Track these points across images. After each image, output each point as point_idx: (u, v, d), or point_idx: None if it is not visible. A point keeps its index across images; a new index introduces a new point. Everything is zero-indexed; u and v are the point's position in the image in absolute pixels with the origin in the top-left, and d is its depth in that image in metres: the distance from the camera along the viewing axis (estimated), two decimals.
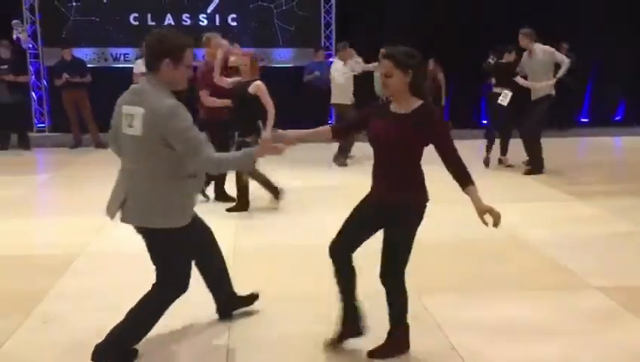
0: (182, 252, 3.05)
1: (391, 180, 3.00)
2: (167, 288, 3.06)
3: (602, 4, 12.28)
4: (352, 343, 3.20)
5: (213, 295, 3.54)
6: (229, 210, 6.03)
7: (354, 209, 3.14)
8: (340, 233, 3.11)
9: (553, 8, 12.06)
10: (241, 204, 6.06)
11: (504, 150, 8.37)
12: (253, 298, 3.68)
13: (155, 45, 2.89)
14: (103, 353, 2.98)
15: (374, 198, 3.07)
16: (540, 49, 7.71)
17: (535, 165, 7.84)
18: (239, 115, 5.78)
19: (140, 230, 3.01)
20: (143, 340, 3.11)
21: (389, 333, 3.14)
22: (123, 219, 3.00)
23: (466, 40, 11.37)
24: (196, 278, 4.18)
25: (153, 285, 3.07)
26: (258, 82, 5.65)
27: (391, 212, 2.96)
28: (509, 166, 8.29)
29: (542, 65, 7.69)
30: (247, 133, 5.58)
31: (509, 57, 8.16)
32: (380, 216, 3.00)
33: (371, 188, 3.11)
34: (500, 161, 8.38)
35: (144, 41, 2.94)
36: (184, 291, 3.07)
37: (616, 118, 13.50)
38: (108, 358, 3.00)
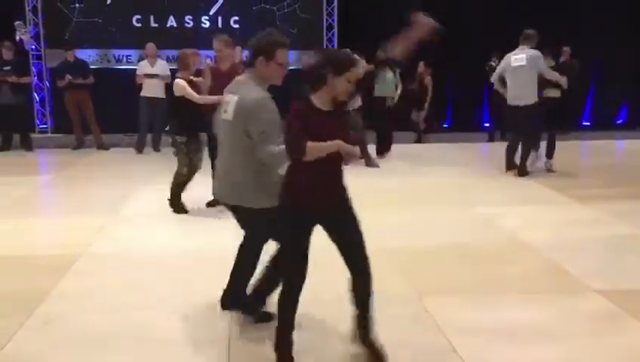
0: (273, 229, 3.23)
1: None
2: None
3: (602, 7, 12.30)
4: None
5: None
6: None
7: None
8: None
9: (553, 10, 12.09)
10: None
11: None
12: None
13: (252, 44, 3.25)
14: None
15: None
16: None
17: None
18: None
19: (230, 207, 3.37)
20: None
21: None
22: (217, 198, 3.49)
23: (467, 42, 11.39)
24: (197, 273, 4.19)
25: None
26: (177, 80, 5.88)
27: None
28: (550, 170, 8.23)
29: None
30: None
31: None
32: None
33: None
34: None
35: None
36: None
37: (619, 122, 13.51)
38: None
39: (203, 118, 5.68)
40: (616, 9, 12.33)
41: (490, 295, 3.98)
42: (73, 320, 3.61)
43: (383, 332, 3.29)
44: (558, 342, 3.32)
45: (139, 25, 12.11)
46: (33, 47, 11.88)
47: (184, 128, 5.81)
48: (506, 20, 11.25)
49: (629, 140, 11.63)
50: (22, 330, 3.47)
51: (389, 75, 9.00)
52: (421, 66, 10.93)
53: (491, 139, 11.69)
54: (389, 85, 9.12)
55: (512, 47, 7.82)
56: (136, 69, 10.37)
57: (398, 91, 9.46)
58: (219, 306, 3.71)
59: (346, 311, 3.12)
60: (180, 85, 5.77)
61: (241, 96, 3.17)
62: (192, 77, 6.02)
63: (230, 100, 3.25)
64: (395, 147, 9.59)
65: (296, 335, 3.03)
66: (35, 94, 11.95)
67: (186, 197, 6.11)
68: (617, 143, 11.48)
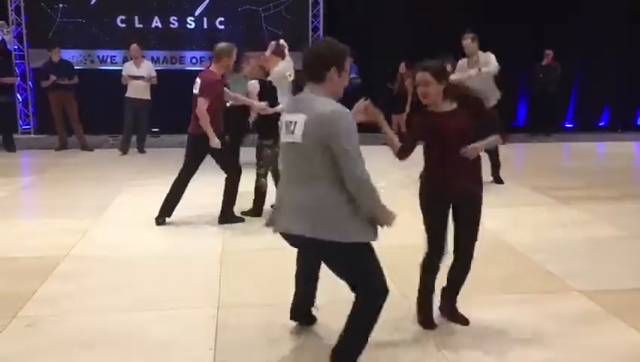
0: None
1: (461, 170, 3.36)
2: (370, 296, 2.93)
3: (585, 8, 12.44)
4: None
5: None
6: (243, 213, 5.96)
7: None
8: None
9: (539, 11, 12.20)
10: (255, 209, 6.01)
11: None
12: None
13: (319, 54, 2.84)
14: None
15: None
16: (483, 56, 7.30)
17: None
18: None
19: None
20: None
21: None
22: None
23: (454, 43, 11.43)
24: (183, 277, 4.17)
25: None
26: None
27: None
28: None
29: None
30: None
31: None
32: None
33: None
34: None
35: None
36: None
37: (600, 124, 13.66)
38: None
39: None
40: (599, 10, 12.47)
41: (474, 296, 3.99)
42: (56, 322, 3.58)
43: None
44: (543, 342, 3.35)
45: (123, 25, 12.03)
46: (16, 47, 11.75)
47: (272, 130, 5.33)
48: (495, 21, 11.35)
49: (610, 142, 11.78)
50: (4, 333, 3.43)
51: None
52: (402, 67, 10.80)
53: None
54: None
55: (492, 47, 7.63)
56: (120, 69, 10.30)
57: None
58: (203, 307, 3.70)
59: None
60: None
61: (312, 112, 2.71)
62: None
63: (296, 119, 2.76)
64: (374, 148, 9.55)
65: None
66: (18, 95, 11.82)
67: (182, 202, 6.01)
68: (599, 145, 11.61)
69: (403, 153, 3.46)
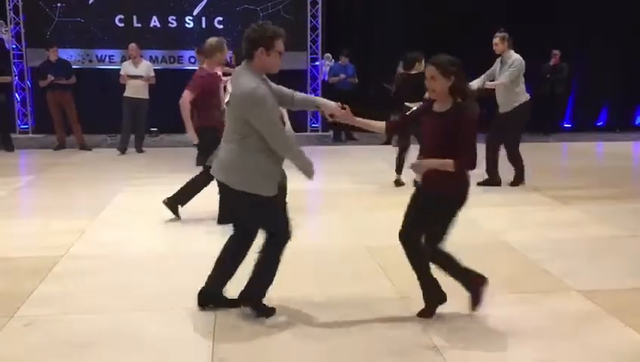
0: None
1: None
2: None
3: (584, 9, 12.45)
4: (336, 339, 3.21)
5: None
6: None
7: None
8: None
9: (537, 11, 12.21)
10: None
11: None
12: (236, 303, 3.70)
13: (249, 36, 3.38)
14: (247, 300, 3.60)
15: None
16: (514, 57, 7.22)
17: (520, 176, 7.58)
18: None
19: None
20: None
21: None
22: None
23: (454, 42, 11.43)
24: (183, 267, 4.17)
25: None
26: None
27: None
28: None
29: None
30: None
31: (419, 67, 7.41)
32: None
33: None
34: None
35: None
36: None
37: (599, 124, 13.68)
38: (250, 304, 3.60)
39: None
40: (598, 11, 12.48)
41: None
42: (54, 322, 3.57)
43: (366, 330, 3.31)
44: (541, 342, 3.35)
45: (121, 25, 12.02)
46: (14, 46, 11.74)
47: None
48: (492, 21, 11.34)
49: (609, 142, 11.79)
50: (1, 333, 3.42)
51: None
52: (401, 68, 10.78)
53: None
54: None
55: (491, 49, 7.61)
56: (119, 69, 10.29)
57: None
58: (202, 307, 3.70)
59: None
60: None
61: (235, 87, 3.37)
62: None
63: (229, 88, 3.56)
64: (371, 148, 9.62)
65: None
66: (17, 94, 11.81)
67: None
68: (597, 145, 11.63)
69: (392, 125, 3.46)
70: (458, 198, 3.40)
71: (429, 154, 3.37)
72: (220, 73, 5.99)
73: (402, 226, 3.50)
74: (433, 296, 3.60)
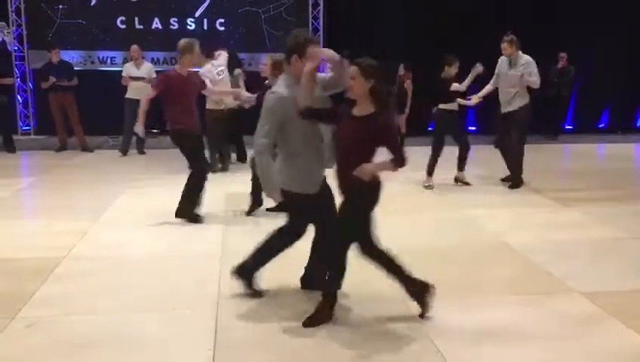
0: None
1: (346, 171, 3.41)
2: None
3: (585, 11, 12.44)
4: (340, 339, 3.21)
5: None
6: (268, 209, 5.99)
7: None
8: None
9: (539, 14, 12.20)
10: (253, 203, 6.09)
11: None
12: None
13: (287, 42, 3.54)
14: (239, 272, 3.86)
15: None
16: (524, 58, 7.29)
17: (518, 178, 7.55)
18: None
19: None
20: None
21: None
22: None
23: (454, 42, 11.44)
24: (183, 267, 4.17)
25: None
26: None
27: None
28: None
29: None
30: None
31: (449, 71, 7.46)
32: None
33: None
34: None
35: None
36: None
37: (600, 126, 13.66)
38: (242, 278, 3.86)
39: None
40: (599, 12, 12.47)
41: (474, 297, 4.01)
42: (56, 323, 3.58)
43: (367, 330, 3.30)
44: (543, 343, 3.35)
45: (123, 27, 12.02)
46: (16, 48, 11.75)
47: None
48: (495, 21, 11.34)
49: (610, 144, 11.78)
50: (3, 334, 3.43)
51: None
52: (401, 69, 10.80)
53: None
54: None
55: (498, 50, 7.62)
56: (121, 70, 10.30)
57: None
58: (203, 308, 3.70)
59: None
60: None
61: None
62: None
63: None
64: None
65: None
66: (19, 96, 11.82)
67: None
68: (599, 147, 11.62)
69: (310, 111, 3.47)
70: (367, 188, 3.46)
71: (344, 156, 3.44)
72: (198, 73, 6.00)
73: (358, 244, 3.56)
74: (418, 288, 3.63)
